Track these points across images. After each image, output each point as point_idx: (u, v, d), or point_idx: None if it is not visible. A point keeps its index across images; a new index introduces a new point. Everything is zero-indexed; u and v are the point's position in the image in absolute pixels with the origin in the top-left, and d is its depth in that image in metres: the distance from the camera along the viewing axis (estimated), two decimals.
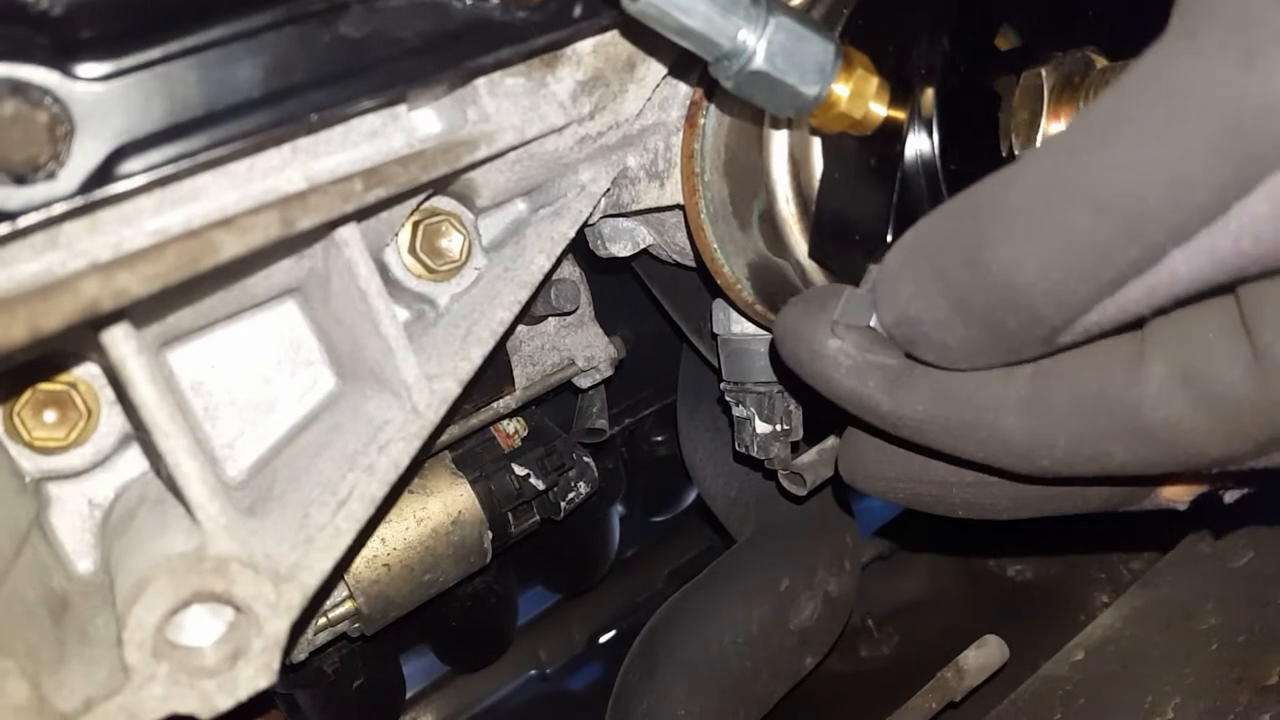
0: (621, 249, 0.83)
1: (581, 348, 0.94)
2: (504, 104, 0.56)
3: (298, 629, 0.50)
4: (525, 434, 1.00)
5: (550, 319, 0.91)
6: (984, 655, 0.86)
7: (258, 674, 0.49)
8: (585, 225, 0.73)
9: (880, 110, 0.50)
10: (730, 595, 0.94)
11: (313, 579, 0.50)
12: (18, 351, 0.35)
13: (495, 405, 0.90)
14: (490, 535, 0.94)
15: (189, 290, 0.42)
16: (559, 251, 0.67)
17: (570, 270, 0.90)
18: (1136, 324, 0.38)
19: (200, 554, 0.48)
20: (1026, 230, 0.36)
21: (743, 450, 0.82)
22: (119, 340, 0.43)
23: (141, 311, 0.46)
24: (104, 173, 0.42)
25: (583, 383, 0.96)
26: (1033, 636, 0.97)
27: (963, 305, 0.39)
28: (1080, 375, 0.41)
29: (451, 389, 0.59)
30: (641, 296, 1.04)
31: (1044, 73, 0.53)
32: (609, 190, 0.72)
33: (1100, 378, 0.40)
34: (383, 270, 0.68)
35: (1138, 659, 0.87)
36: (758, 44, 0.45)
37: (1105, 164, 0.33)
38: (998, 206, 0.37)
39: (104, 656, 0.51)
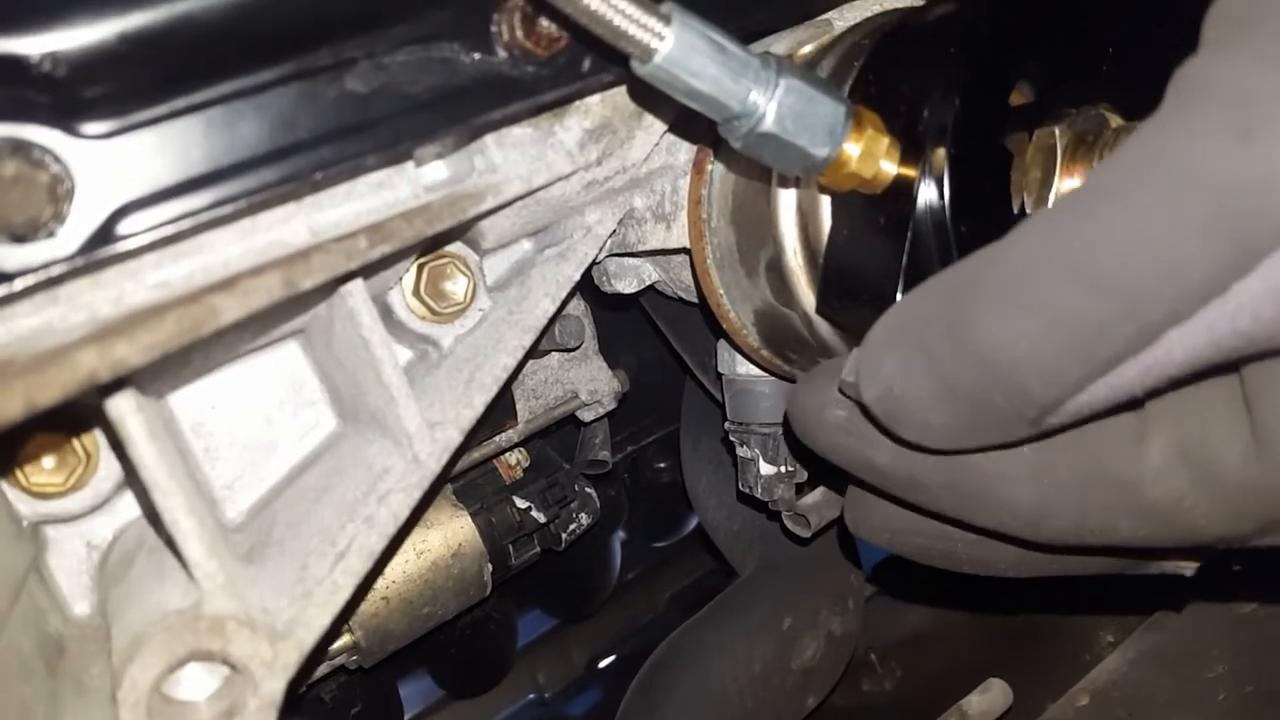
0: (627, 286, 0.83)
1: (585, 381, 0.93)
2: (511, 154, 0.56)
3: (296, 684, 0.49)
4: (527, 464, 1.00)
5: (554, 353, 0.90)
6: (988, 700, 0.85)
7: None
8: (591, 264, 0.73)
9: (891, 169, 0.50)
10: (732, 634, 0.93)
11: (310, 636, 0.50)
12: (14, 425, 0.35)
13: (497, 439, 0.90)
14: (490, 568, 0.93)
15: (189, 351, 0.42)
16: (564, 295, 0.66)
17: (575, 305, 0.90)
18: (1129, 405, 0.37)
19: (196, 612, 0.47)
20: (1017, 306, 0.35)
21: (747, 491, 0.81)
22: (117, 401, 0.43)
23: (141, 372, 0.46)
24: (105, 232, 0.41)
25: (586, 416, 0.96)
26: (1037, 677, 0.96)
27: (948, 383, 0.38)
28: (1084, 449, 0.40)
29: (454, 438, 0.58)
30: (645, 323, 1.03)
31: (1057, 131, 0.52)
32: (615, 231, 0.72)
33: (1103, 452, 0.39)
34: (386, 311, 0.67)
35: (1143, 705, 0.86)
36: (767, 106, 0.45)
37: (1100, 240, 0.32)
38: (987, 281, 0.36)
39: (98, 712, 0.50)
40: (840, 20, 0.65)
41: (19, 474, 0.56)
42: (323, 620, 0.50)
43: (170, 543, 0.48)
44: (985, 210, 0.51)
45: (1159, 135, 0.32)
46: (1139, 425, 0.39)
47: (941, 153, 0.49)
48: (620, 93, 0.58)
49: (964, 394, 0.38)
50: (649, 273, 0.82)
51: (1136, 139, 0.33)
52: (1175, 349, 0.33)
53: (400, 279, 0.65)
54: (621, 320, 1.02)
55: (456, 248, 0.67)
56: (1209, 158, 0.30)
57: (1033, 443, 0.41)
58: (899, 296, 0.50)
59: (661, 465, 1.34)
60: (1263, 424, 0.34)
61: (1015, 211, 0.53)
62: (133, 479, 0.58)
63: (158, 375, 0.52)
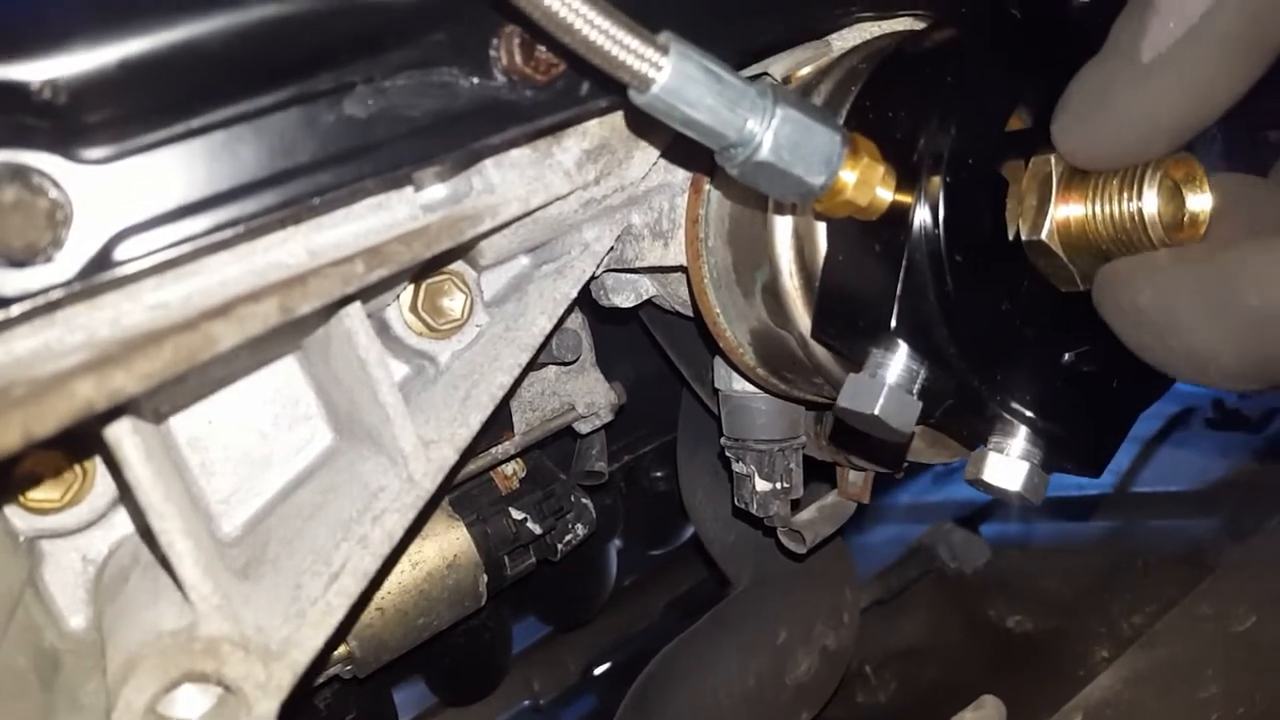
0: (624, 300, 0.83)
1: (582, 394, 0.93)
2: (509, 175, 0.56)
3: (289, 706, 0.49)
4: (523, 474, 1.00)
5: (551, 365, 0.91)
6: (981, 717, 0.85)
7: None
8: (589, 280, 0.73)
9: (886, 196, 0.50)
10: (726, 648, 0.94)
11: (304, 657, 0.50)
12: (11, 455, 0.35)
13: (494, 450, 0.90)
14: (486, 579, 0.93)
15: (185, 378, 0.42)
16: (561, 312, 0.66)
17: (573, 319, 0.90)
18: None
19: (191, 633, 0.47)
20: None
21: (742, 506, 0.81)
22: (114, 426, 0.43)
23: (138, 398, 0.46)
24: (103, 257, 0.41)
25: (582, 428, 0.96)
26: (1031, 694, 0.97)
27: None
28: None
29: (449, 457, 0.58)
30: (642, 334, 1.03)
31: (1053, 159, 0.53)
32: (612, 248, 0.72)
33: None
34: (383, 327, 0.67)
35: None
36: (764, 135, 0.45)
37: None
38: None
39: None
40: (839, 41, 0.65)
41: (15, 489, 0.56)
42: (316, 641, 0.50)
43: (165, 562, 0.48)
44: (980, 236, 0.51)
45: None
46: None
47: (937, 181, 0.49)
48: (618, 113, 0.58)
49: None
50: (646, 287, 0.82)
51: None
52: None
53: (398, 295, 0.66)
54: (619, 331, 1.02)
55: (455, 265, 0.68)
56: None
57: None
58: (894, 324, 0.50)
59: (658, 474, 1.34)
60: None
61: (1010, 239, 0.53)
62: (128, 498, 0.58)
63: (155, 400, 0.52)
